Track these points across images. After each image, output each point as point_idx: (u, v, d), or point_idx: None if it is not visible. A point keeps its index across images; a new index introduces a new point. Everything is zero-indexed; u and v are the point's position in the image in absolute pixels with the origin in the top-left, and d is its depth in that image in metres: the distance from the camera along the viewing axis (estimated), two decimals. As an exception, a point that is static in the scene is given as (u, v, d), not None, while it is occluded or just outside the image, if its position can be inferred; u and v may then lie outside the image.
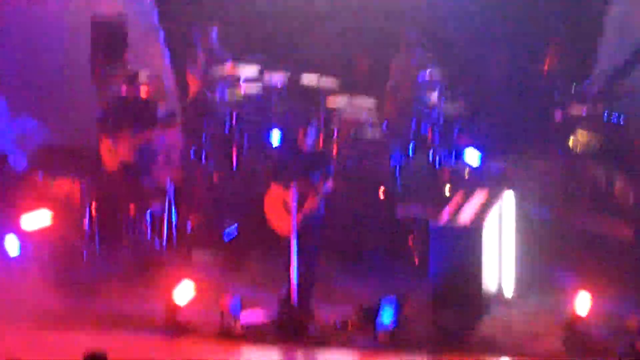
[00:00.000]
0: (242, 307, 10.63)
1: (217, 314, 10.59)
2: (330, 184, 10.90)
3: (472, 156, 13.30)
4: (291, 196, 10.63)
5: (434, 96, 13.68)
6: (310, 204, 10.76)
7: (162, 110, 13.77)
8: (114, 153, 12.53)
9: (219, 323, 10.54)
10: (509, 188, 11.83)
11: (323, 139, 13.37)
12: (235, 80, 14.16)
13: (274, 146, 13.74)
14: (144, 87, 13.02)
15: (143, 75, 13.27)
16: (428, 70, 13.86)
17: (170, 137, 13.17)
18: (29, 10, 15.08)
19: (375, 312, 10.37)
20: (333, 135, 13.57)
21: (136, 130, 12.58)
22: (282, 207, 10.75)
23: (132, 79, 12.95)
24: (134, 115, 12.70)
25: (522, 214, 11.71)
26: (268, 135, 13.90)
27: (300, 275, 10.67)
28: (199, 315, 10.74)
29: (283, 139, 13.74)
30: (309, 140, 10.97)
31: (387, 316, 10.31)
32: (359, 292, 11.57)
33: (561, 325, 10.30)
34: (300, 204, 10.70)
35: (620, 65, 13.10)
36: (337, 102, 13.71)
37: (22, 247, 11.93)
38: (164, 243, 12.32)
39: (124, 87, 12.97)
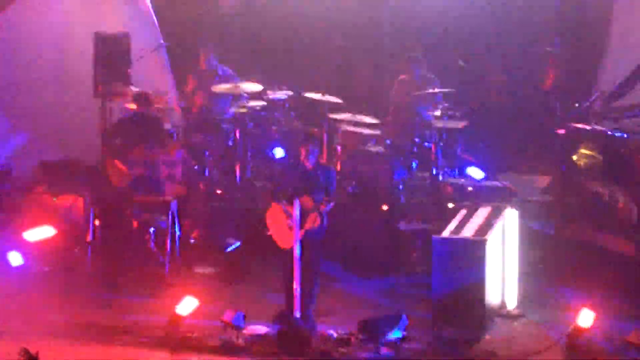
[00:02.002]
0: (244, 320, 10.62)
1: (220, 328, 10.58)
2: (332, 201, 10.90)
3: (474, 171, 13.34)
4: (294, 212, 10.64)
5: (437, 112, 13.74)
6: (312, 221, 10.76)
7: (167, 127, 13.86)
8: (122, 170, 12.59)
9: (221, 336, 10.52)
10: (511, 203, 11.83)
11: (326, 155, 13.41)
12: (239, 96, 14.23)
13: (276, 161, 13.79)
14: (152, 106, 13.14)
15: (152, 94, 13.40)
16: (430, 87, 13.93)
17: (173, 153, 13.21)
18: (32, 26, 15.13)
19: (377, 326, 10.35)
20: (336, 151, 13.62)
21: (145, 147, 12.65)
22: (284, 222, 10.76)
23: (142, 98, 13.04)
24: (144, 132, 12.77)
25: (525, 228, 11.70)
26: (271, 151, 13.95)
27: (302, 288, 10.68)
28: (201, 328, 10.73)
29: (286, 155, 13.79)
30: (311, 156, 10.97)
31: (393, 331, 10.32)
32: (361, 305, 11.57)
33: (564, 339, 10.29)
34: (302, 220, 10.71)
35: (620, 83, 13.13)
36: (340, 118, 13.76)
37: (25, 260, 11.92)
38: (167, 256, 12.31)
39: (134, 105, 13.06)
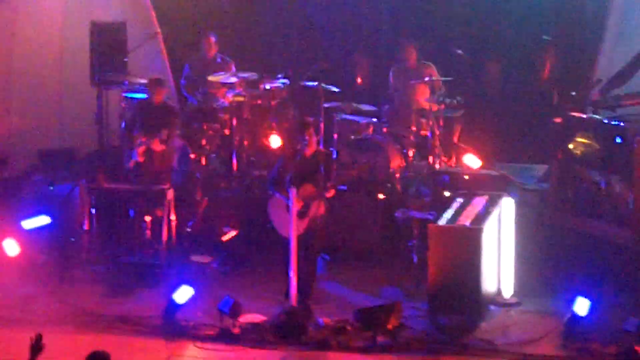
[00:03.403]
0: (241, 309, 10.62)
1: (216, 316, 10.58)
2: (334, 187, 10.92)
3: (471, 160, 13.34)
4: (290, 200, 10.66)
5: (434, 100, 13.74)
6: (315, 208, 10.78)
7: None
8: (147, 155, 12.61)
9: (217, 325, 10.52)
10: (508, 192, 11.84)
11: (323, 143, 13.41)
12: (235, 85, 14.22)
13: (273, 150, 13.78)
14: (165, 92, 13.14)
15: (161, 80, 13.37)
16: (427, 75, 13.92)
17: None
18: (29, 14, 15.11)
19: (373, 314, 10.35)
20: (333, 139, 13.62)
21: (150, 135, 12.63)
22: (286, 212, 10.78)
23: (159, 84, 13.00)
24: (161, 119, 12.76)
25: (522, 217, 11.70)
26: (267, 139, 13.94)
27: (300, 277, 10.69)
28: (198, 317, 10.73)
29: (282, 143, 13.77)
30: (309, 144, 10.99)
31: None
32: (358, 294, 11.58)
33: (560, 328, 10.30)
34: (305, 209, 10.73)
35: (618, 72, 13.11)
36: (337, 106, 13.77)
37: (22, 248, 11.91)
38: (164, 245, 12.30)
39: (150, 92, 13.03)
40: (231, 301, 10.55)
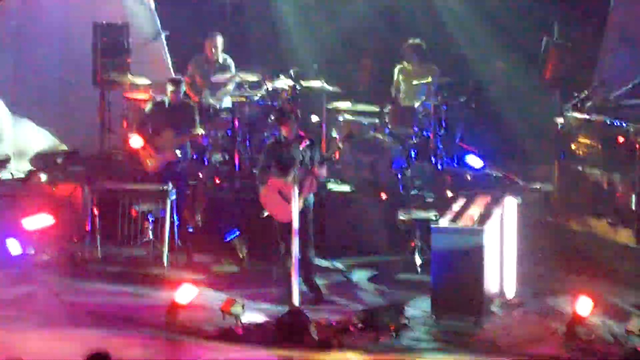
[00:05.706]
0: (244, 309, 10.62)
1: (219, 316, 10.58)
2: (323, 168, 11.03)
3: (473, 160, 13.35)
4: (291, 186, 10.77)
5: (437, 101, 13.73)
6: (309, 187, 10.95)
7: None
8: (152, 155, 12.59)
9: (220, 324, 10.52)
10: (510, 192, 11.84)
11: (325, 143, 13.43)
12: (239, 85, 14.24)
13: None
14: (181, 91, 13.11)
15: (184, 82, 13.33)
16: (430, 76, 13.92)
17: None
18: (32, 15, 15.13)
19: (376, 315, 10.35)
20: (335, 140, 13.62)
21: (178, 133, 12.63)
22: (279, 197, 10.89)
23: (177, 84, 12.97)
24: (178, 118, 12.76)
25: (524, 217, 11.71)
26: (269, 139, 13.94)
27: (303, 257, 10.87)
28: (200, 316, 10.73)
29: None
30: (292, 131, 11.15)
31: None
32: (361, 294, 11.58)
33: (563, 328, 10.29)
34: (299, 190, 10.86)
35: (628, 89, 13.10)
36: (340, 107, 13.77)
37: (24, 249, 11.92)
38: (166, 245, 12.30)
39: (143, 94, 13.00)
40: (234, 300, 10.56)
